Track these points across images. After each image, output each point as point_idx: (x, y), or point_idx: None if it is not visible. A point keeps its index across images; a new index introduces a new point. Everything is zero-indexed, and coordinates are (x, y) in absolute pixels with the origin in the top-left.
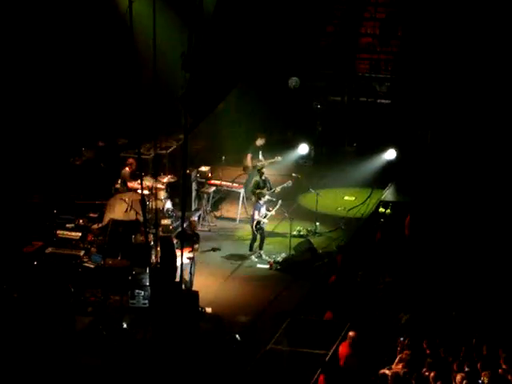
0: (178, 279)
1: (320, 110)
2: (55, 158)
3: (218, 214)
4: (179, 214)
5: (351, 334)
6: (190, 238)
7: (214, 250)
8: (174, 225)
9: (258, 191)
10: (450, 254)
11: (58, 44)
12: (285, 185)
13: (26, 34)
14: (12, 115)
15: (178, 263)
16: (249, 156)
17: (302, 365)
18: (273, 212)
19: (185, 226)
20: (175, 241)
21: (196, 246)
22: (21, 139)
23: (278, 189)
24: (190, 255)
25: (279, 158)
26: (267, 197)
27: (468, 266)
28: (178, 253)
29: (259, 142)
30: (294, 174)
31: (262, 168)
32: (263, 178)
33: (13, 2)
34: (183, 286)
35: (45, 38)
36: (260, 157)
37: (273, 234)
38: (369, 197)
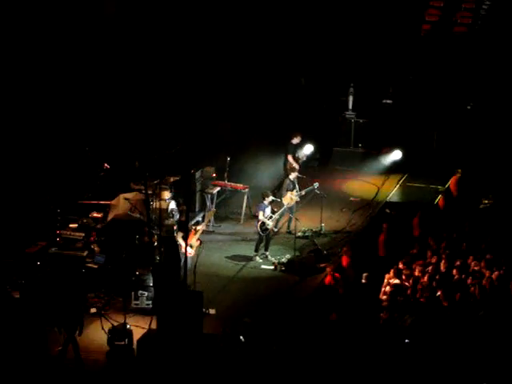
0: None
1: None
2: (59, 158)
3: (222, 214)
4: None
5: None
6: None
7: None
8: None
9: (283, 192)
10: (456, 254)
11: (64, 47)
12: (310, 188)
13: (31, 38)
14: (16, 115)
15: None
16: (290, 157)
17: None
18: (277, 215)
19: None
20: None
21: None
22: (25, 139)
23: (303, 192)
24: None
25: (309, 147)
26: (271, 197)
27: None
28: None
29: (296, 140)
30: (299, 175)
31: (292, 169)
32: (292, 179)
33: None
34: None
35: (51, 41)
36: (297, 155)
37: (278, 235)
38: (374, 198)
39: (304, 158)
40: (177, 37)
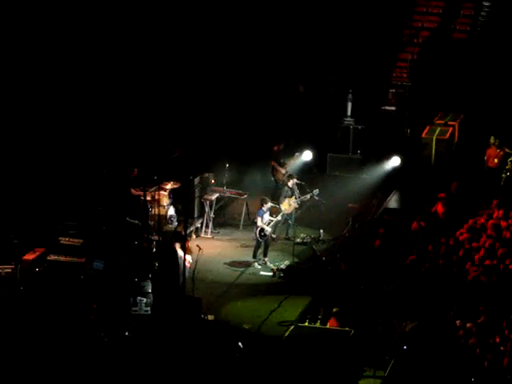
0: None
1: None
2: (57, 164)
3: (221, 220)
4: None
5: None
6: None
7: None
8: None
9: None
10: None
11: (63, 50)
12: (311, 193)
13: (35, 45)
14: (17, 122)
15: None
16: (275, 163)
17: None
18: (275, 221)
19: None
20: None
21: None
22: (24, 145)
23: (304, 198)
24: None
25: (298, 154)
26: (269, 203)
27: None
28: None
29: (277, 147)
30: (297, 181)
31: (290, 176)
32: (291, 185)
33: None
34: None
35: (51, 43)
36: (282, 160)
37: (277, 241)
38: (373, 205)
39: (291, 164)
40: (175, 42)
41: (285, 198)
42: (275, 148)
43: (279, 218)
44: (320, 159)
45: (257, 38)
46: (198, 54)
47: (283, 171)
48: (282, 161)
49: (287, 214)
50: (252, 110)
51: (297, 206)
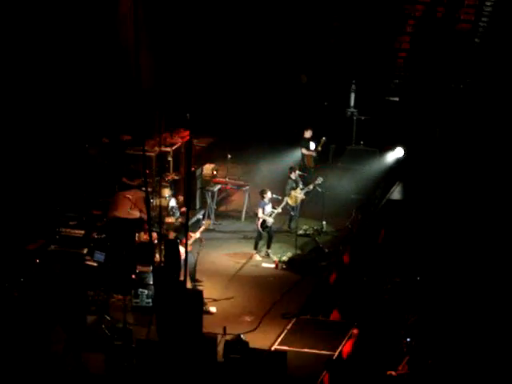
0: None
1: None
2: (59, 155)
3: (223, 212)
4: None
5: (355, 331)
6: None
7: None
8: (178, 223)
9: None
10: (457, 253)
11: (61, 41)
12: (316, 182)
13: (30, 34)
14: (16, 112)
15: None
16: (304, 150)
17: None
18: (278, 210)
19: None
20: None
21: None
22: (24, 136)
23: (311, 187)
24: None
25: (324, 139)
26: (269, 194)
27: (474, 266)
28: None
29: (307, 134)
30: (299, 173)
31: (292, 168)
32: (294, 177)
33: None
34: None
35: (48, 36)
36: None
37: (279, 233)
38: (376, 196)
39: (316, 151)
40: (177, 31)
41: (290, 190)
42: (305, 136)
43: (279, 209)
44: (323, 150)
45: (260, 29)
46: (202, 44)
47: (313, 154)
48: (311, 149)
49: (290, 206)
50: (255, 99)
51: (303, 198)
